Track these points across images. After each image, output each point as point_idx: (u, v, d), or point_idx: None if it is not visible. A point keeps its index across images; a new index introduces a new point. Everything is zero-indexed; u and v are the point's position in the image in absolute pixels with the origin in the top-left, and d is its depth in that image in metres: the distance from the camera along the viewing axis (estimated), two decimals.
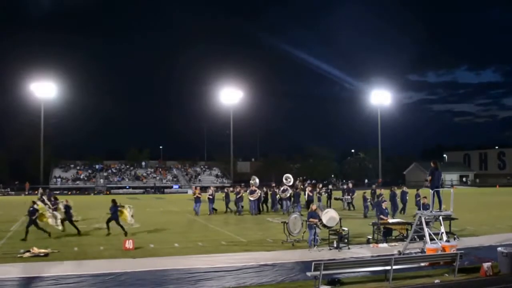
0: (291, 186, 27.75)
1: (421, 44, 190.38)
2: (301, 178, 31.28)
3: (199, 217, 24.94)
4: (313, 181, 35.65)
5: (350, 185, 32.32)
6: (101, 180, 67.27)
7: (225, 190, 29.93)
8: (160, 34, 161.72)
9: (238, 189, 27.80)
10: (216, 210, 26.99)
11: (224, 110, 72.73)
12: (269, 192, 29.01)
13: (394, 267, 11.22)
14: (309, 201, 25.66)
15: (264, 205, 28.37)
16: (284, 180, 27.88)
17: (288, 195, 27.06)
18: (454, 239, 16.40)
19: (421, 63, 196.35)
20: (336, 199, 30.34)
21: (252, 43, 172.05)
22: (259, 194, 27.47)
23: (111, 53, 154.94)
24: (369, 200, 28.77)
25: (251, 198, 26.92)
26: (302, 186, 29.74)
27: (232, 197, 27.95)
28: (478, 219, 23.24)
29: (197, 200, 26.18)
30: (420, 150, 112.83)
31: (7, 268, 12.40)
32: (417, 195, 23.78)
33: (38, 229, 17.31)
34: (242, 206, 27.05)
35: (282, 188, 27.41)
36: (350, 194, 29.41)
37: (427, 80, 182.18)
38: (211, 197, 26.78)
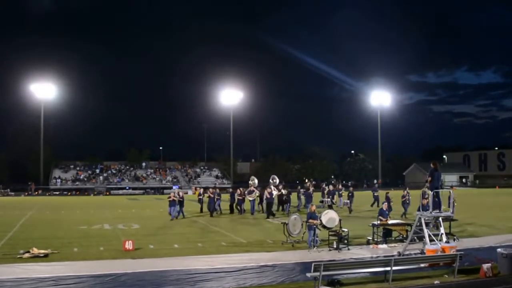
0: (277, 186, 27.97)
1: (421, 45, 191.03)
2: (312, 179, 31.50)
3: (199, 218, 24.91)
4: (313, 182, 35.50)
5: (331, 187, 30.63)
6: (101, 178, 67.36)
7: (201, 190, 29.71)
8: (160, 35, 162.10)
9: (251, 189, 27.54)
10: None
11: (224, 111, 72.83)
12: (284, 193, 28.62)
13: (394, 268, 11.22)
14: (269, 203, 25.02)
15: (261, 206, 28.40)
16: (270, 180, 28.14)
17: (252, 198, 27.34)
18: (454, 240, 16.39)
19: (421, 64, 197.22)
20: (321, 202, 29.48)
21: (253, 44, 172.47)
22: (257, 194, 27.65)
23: (111, 54, 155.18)
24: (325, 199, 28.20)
25: (250, 198, 27.18)
26: (313, 187, 30.12)
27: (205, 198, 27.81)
28: (478, 220, 23.24)
29: (172, 203, 24.36)
30: (420, 151, 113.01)
31: (7, 268, 12.39)
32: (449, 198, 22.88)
33: None
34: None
35: (248, 190, 27.84)
36: (330, 197, 28.16)
37: (427, 81, 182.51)
38: (181, 199, 24.74)
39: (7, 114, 75.67)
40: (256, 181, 28.63)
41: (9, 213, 28.59)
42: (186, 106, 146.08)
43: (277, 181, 28.30)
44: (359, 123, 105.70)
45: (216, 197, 26.82)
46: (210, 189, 27.59)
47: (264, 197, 26.11)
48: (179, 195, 24.85)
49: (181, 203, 24.71)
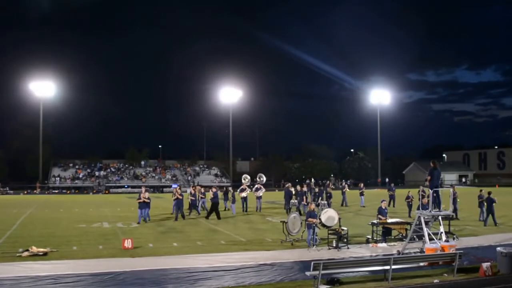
0: (250, 186, 28.60)
1: (421, 43, 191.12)
2: (331, 178, 31.86)
3: (199, 216, 24.86)
4: (313, 181, 35.60)
5: (299, 187, 27.90)
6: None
7: (174, 191, 29.11)
8: (159, 33, 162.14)
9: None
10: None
11: (223, 109, 72.80)
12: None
13: (393, 266, 11.22)
14: (214, 203, 23.87)
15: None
16: (257, 179, 28.46)
17: (245, 195, 27.48)
18: (454, 239, 16.39)
19: (421, 62, 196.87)
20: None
21: (252, 42, 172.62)
22: (248, 192, 27.94)
23: (110, 52, 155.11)
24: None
25: (242, 195, 27.50)
26: (332, 186, 30.24)
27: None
28: (478, 219, 23.22)
29: (142, 205, 22.00)
30: (419, 149, 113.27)
31: (6, 267, 12.38)
32: (480, 197, 22.46)
33: None
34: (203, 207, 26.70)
35: (240, 188, 27.98)
36: (298, 198, 26.29)
37: (427, 80, 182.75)
38: (148, 200, 22.30)
39: (6, 112, 75.71)
40: (249, 179, 28.95)
41: (8, 212, 28.55)
42: (185, 105, 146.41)
43: (264, 179, 28.70)
44: (358, 121, 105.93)
45: (190, 197, 25.86)
46: (179, 190, 24.55)
47: (209, 197, 24.89)
48: (145, 196, 22.29)
49: (148, 204, 22.49)
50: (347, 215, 24.39)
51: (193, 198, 26.38)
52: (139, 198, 22.19)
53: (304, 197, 26.19)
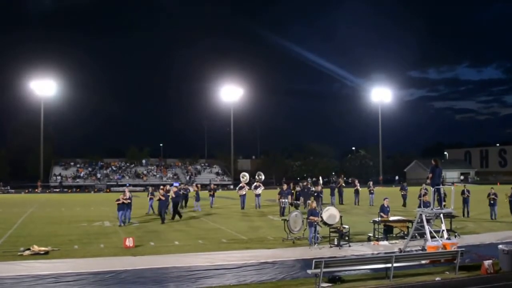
0: (248, 184, 28.96)
1: (423, 41, 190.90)
2: (342, 175, 32.05)
3: (199, 215, 24.86)
4: (314, 179, 35.52)
5: (285, 186, 26.15)
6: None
7: (150, 190, 27.65)
8: (160, 31, 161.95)
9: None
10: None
11: (224, 107, 72.80)
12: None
13: (395, 264, 11.20)
14: (175, 202, 23.10)
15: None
16: (256, 177, 28.79)
17: (244, 192, 27.76)
18: (455, 236, 16.36)
19: (423, 60, 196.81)
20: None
21: (253, 40, 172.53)
22: (247, 190, 28.14)
23: (111, 51, 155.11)
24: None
25: (241, 193, 27.66)
26: (344, 183, 30.52)
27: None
28: (479, 217, 23.21)
29: (121, 207, 20.80)
30: (421, 147, 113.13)
31: (7, 266, 12.39)
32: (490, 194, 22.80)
33: None
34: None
35: (239, 186, 28.42)
36: (284, 197, 24.77)
37: (428, 77, 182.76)
38: (129, 201, 21.14)
39: (7, 111, 75.80)
40: (247, 177, 29.07)
41: (9, 211, 28.59)
42: (186, 103, 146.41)
43: (263, 177, 29.08)
44: (360, 119, 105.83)
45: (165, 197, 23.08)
46: (161, 190, 22.88)
47: (170, 196, 23.49)
48: (125, 196, 21.07)
49: (129, 205, 21.29)
50: (350, 214, 24.33)
51: (163, 198, 23.72)
52: (118, 200, 21.00)
53: (287, 196, 25.26)
